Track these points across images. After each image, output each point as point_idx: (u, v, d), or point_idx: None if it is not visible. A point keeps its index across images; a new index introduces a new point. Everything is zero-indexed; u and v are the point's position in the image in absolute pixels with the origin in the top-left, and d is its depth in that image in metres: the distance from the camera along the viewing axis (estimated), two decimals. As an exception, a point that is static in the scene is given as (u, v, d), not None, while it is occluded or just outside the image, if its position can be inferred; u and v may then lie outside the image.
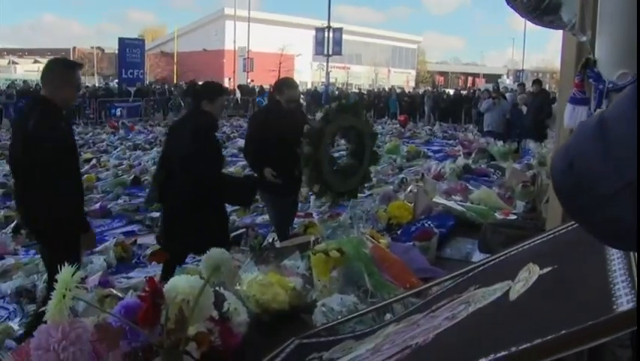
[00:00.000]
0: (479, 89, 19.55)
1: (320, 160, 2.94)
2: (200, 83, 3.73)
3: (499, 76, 49.78)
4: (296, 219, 3.97)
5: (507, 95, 11.10)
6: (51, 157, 2.22)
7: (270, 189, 3.29)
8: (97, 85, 25.00)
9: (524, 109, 8.83)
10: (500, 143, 7.71)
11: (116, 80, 22.65)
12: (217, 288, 1.40)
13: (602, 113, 0.51)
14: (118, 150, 10.60)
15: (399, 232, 2.69)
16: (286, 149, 3.22)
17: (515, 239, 1.01)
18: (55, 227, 2.33)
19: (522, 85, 10.55)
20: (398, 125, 16.35)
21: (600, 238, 0.52)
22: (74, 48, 51.03)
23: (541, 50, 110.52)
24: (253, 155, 3.43)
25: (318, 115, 3.01)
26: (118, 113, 17.45)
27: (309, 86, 37.02)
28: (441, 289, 1.11)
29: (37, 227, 2.46)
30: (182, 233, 2.94)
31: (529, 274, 0.76)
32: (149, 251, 4.13)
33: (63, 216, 2.31)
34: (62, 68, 2.42)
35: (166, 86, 22.69)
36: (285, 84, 3.52)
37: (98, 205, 5.66)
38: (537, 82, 9.51)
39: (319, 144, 2.93)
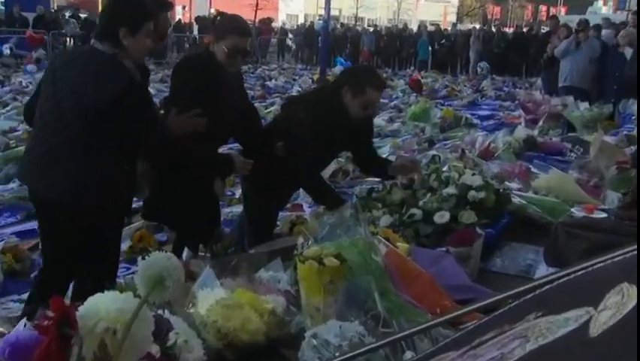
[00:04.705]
0: (545, 26, 19.16)
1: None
2: None
3: (591, 3, 49.01)
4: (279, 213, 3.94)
5: (603, 32, 10.56)
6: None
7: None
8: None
9: (628, 53, 8.38)
10: (585, 105, 7.53)
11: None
12: (159, 311, 1.40)
13: None
14: (9, 108, 9.98)
15: (427, 233, 2.72)
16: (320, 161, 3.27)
17: (602, 247, 1.00)
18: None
19: (634, 15, 9.96)
20: (429, 80, 16.37)
21: None
22: None
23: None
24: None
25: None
26: (6, 51, 16.43)
27: (302, 20, 36.90)
28: (486, 317, 1.10)
29: None
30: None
31: (623, 299, 0.75)
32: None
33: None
34: (135, 7, 2.53)
35: (84, 16, 22.24)
36: (369, 79, 3.10)
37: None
38: None
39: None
